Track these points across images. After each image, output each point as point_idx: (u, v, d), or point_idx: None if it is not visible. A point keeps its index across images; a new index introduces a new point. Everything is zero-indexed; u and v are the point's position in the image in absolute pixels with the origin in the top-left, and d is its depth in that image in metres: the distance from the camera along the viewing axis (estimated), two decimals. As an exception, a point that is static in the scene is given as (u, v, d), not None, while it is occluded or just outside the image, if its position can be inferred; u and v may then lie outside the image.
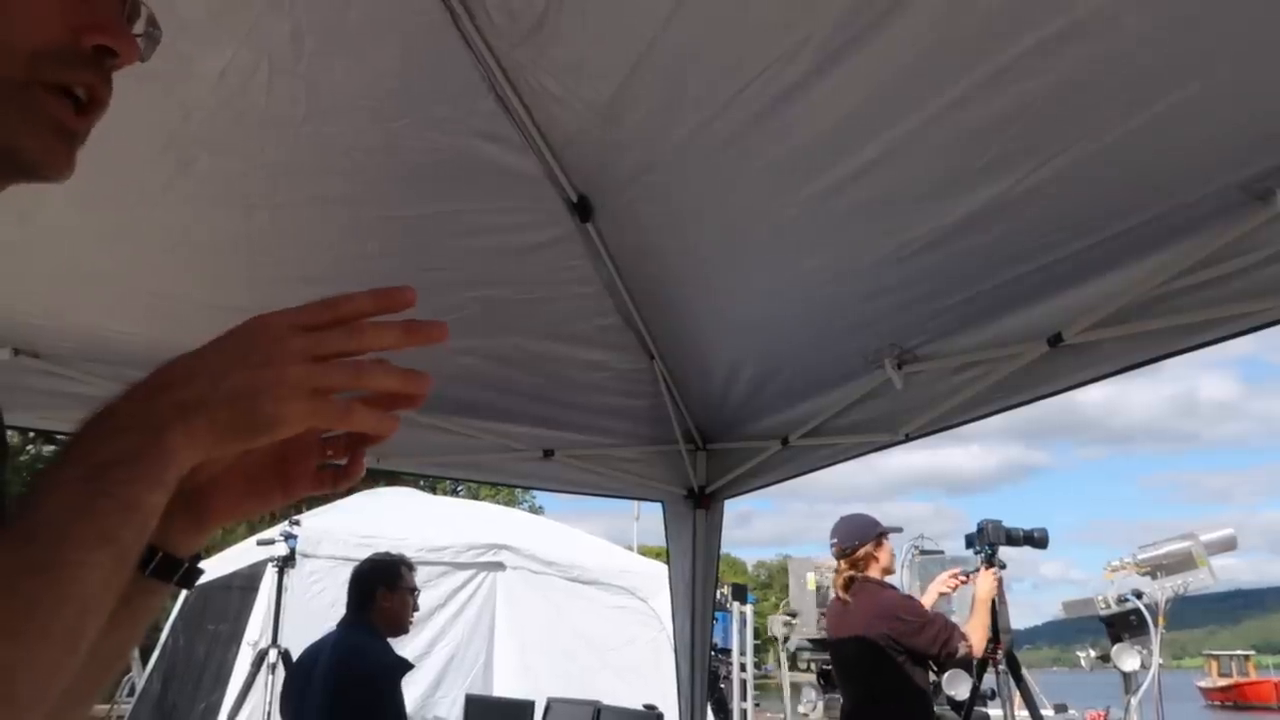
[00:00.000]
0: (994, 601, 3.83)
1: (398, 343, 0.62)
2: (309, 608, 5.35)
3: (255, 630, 5.40)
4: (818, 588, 12.14)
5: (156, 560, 0.67)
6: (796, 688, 13.23)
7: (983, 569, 3.89)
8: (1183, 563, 3.56)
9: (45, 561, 0.50)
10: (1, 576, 0.49)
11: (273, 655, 4.45)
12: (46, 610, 0.49)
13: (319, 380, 0.59)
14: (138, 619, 0.69)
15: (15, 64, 0.62)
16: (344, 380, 0.60)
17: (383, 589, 3.55)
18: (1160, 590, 3.49)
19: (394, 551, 3.88)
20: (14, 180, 0.67)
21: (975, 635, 3.76)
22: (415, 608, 3.72)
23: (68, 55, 0.64)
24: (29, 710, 0.49)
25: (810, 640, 12.05)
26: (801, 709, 12.92)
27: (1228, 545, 3.69)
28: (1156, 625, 3.45)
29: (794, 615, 13.00)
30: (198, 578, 0.72)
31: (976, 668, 3.82)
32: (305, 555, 5.25)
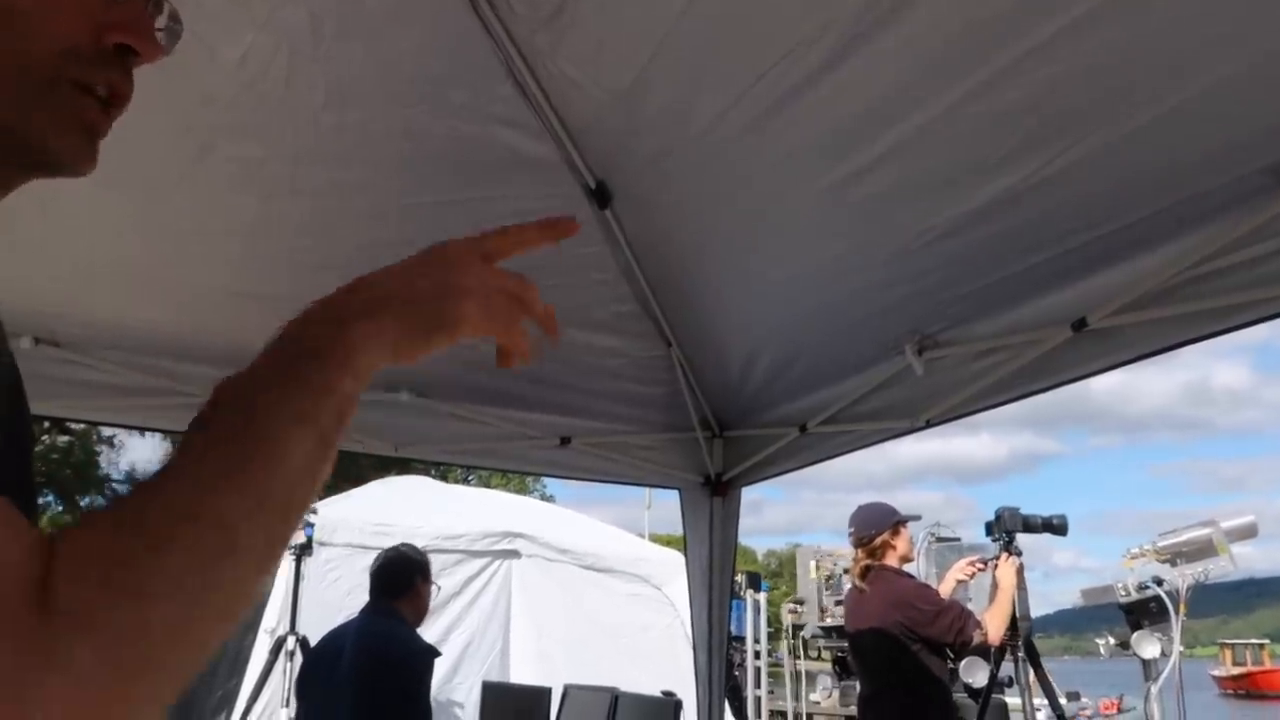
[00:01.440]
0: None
1: (539, 238, 0.76)
2: (325, 595, 5.38)
3: (272, 618, 5.43)
4: (827, 576, 12.18)
5: None
6: (810, 675, 13.27)
7: (1004, 557, 3.87)
8: (1203, 550, 3.53)
9: (255, 432, 0.54)
10: (216, 445, 0.54)
11: (290, 642, 4.48)
12: (260, 474, 0.54)
13: (494, 292, 0.68)
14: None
15: (44, 64, 0.63)
16: (514, 297, 0.70)
17: (420, 578, 3.59)
18: (1181, 577, 3.46)
19: (410, 540, 3.90)
20: (37, 175, 0.68)
21: (994, 623, 3.74)
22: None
23: (92, 54, 0.66)
24: (251, 564, 0.53)
25: (823, 628, 12.09)
26: (816, 696, 12.96)
27: (1248, 533, 3.65)
28: (1178, 612, 3.42)
29: (800, 603, 13.04)
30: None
31: (994, 655, 3.81)
32: (321, 544, 5.27)
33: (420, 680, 3.46)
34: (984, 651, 3.83)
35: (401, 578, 3.59)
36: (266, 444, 0.54)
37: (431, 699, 5.28)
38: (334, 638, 3.62)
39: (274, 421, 0.55)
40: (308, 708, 3.65)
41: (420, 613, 3.61)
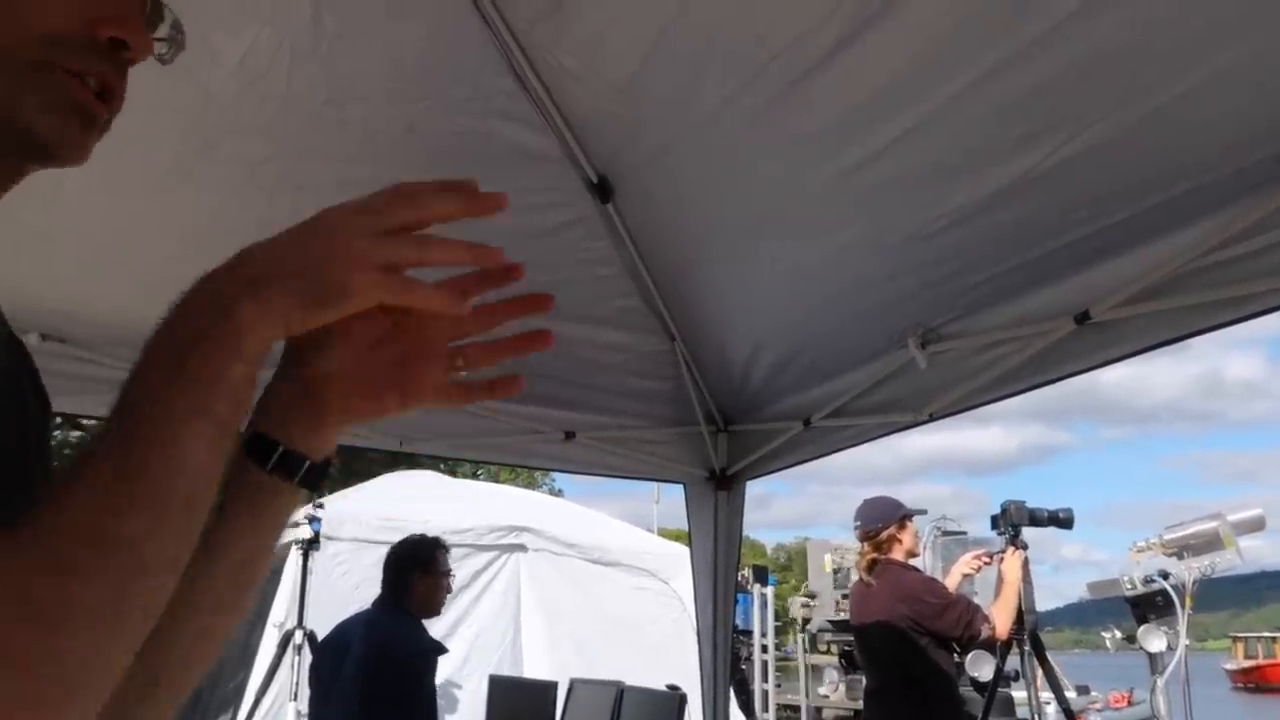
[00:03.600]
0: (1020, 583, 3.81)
1: (459, 211, 0.63)
2: (333, 589, 5.40)
3: (280, 612, 5.45)
4: (836, 570, 12.17)
5: (277, 456, 0.68)
6: (818, 669, 13.28)
7: (1009, 550, 3.87)
8: (1210, 543, 3.52)
9: (149, 435, 0.53)
10: (112, 456, 0.52)
11: (298, 636, 4.50)
12: (160, 479, 0.52)
13: (385, 253, 0.60)
14: (264, 522, 0.69)
15: (29, 46, 0.64)
16: (409, 252, 0.61)
17: (419, 573, 3.60)
18: (1187, 571, 3.45)
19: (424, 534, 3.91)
20: (31, 163, 0.68)
21: (1000, 617, 3.74)
22: (448, 590, 3.76)
23: (82, 43, 0.66)
24: (161, 580, 0.53)
25: (831, 622, 12.08)
26: (823, 690, 12.97)
27: (1256, 526, 3.64)
28: (1184, 606, 3.42)
29: (813, 597, 13.04)
30: (322, 478, 0.72)
31: (1000, 649, 3.81)
32: (329, 538, 5.29)
33: (422, 677, 3.48)
34: (990, 645, 3.82)
35: (399, 574, 3.62)
36: (163, 447, 0.53)
37: (440, 691, 5.32)
38: (342, 632, 3.64)
39: (168, 421, 0.54)
40: (314, 699, 3.68)
41: (426, 605, 3.63)
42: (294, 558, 4.99)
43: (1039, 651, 3.84)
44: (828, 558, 12.38)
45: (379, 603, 3.59)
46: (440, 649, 3.59)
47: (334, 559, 5.61)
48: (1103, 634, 4.33)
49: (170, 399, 0.54)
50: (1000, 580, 3.86)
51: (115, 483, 0.51)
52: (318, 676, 3.76)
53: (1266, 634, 50.39)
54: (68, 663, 0.48)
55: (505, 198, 0.65)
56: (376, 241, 0.60)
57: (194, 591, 0.63)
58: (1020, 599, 3.78)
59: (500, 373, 0.73)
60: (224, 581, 0.68)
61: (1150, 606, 3.66)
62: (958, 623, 3.67)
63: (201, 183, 2.21)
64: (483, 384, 0.73)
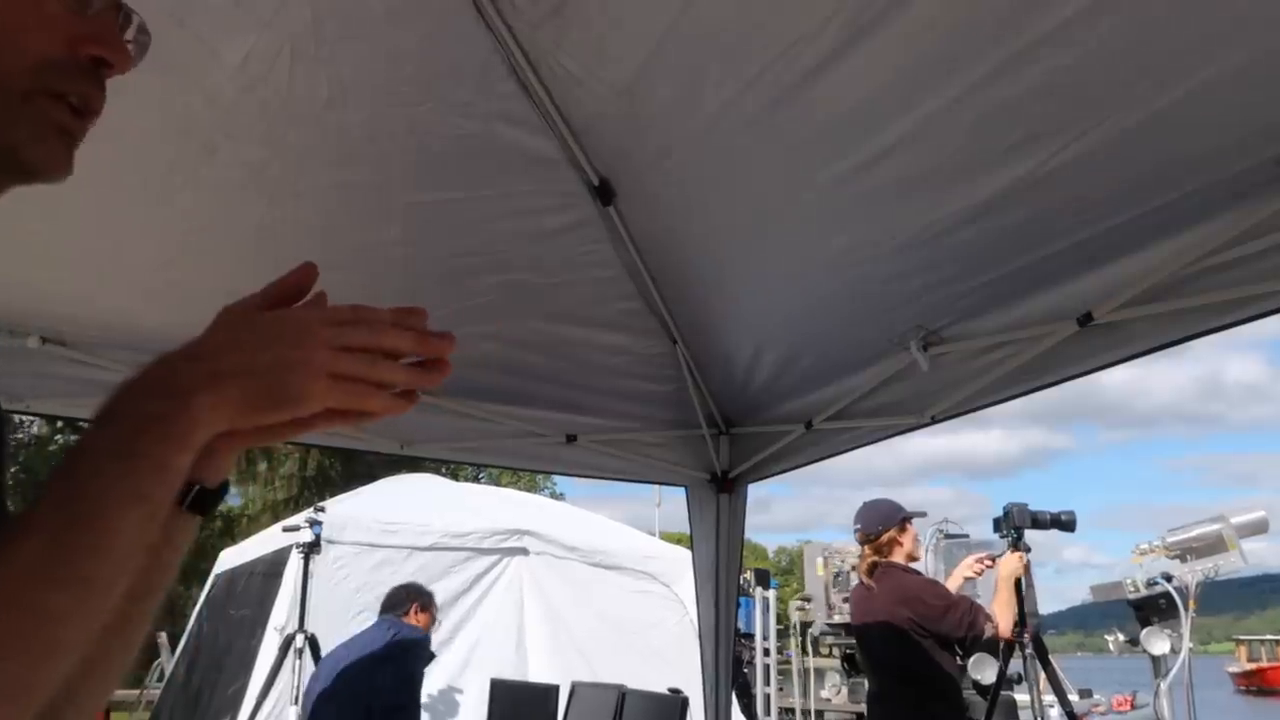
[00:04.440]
0: (1020, 584, 3.80)
1: (412, 348, 0.68)
2: (334, 593, 5.40)
3: (281, 616, 5.45)
4: (835, 573, 12.15)
5: (193, 495, 0.70)
6: (820, 672, 13.25)
7: (1008, 551, 3.87)
8: (1213, 546, 3.52)
9: (87, 518, 0.55)
10: (47, 533, 0.54)
11: (299, 640, 4.50)
12: (89, 563, 0.54)
13: (342, 366, 0.64)
14: (175, 551, 0.72)
15: (20, 78, 0.66)
16: (363, 370, 0.65)
17: (417, 604, 3.94)
18: (1190, 573, 3.44)
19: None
20: (15, 183, 0.71)
21: (1001, 615, 3.73)
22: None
23: (66, 66, 0.68)
24: (76, 648, 0.54)
25: (831, 625, 12.06)
26: (825, 693, 12.94)
27: (1259, 528, 3.63)
28: (1187, 609, 3.41)
29: (808, 600, 13.01)
30: (215, 504, 0.74)
31: (1003, 651, 3.80)
32: (330, 541, 5.29)
33: (409, 667, 3.60)
34: (993, 646, 3.81)
35: (398, 601, 4.03)
36: (96, 529, 0.54)
37: (442, 695, 5.34)
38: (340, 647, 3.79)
39: (105, 505, 0.55)
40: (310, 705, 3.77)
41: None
42: (295, 561, 4.99)
43: (1042, 654, 3.83)
44: (820, 561, 12.35)
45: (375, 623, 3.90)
46: (426, 641, 3.89)
47: (335, 563, 5.60)
48: (1106, 637, 4.32)
49: (109, 482, 0.56)
50: (997, 580, 3.86)
51: (45, 556, 0.52)
52: (314, 682, 3.96)
53: (1270, 637, 50.21)
54: None
55: (453, 340, 0.70)
56: (335, 356, 0.64)
57: None
58: (1021, 601, 3.77)
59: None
60: (122, 604, 0.66)
61: (1153, 609, 3.65)
62: (960, 623, 3.66)
63: (201, 187, 2.20)
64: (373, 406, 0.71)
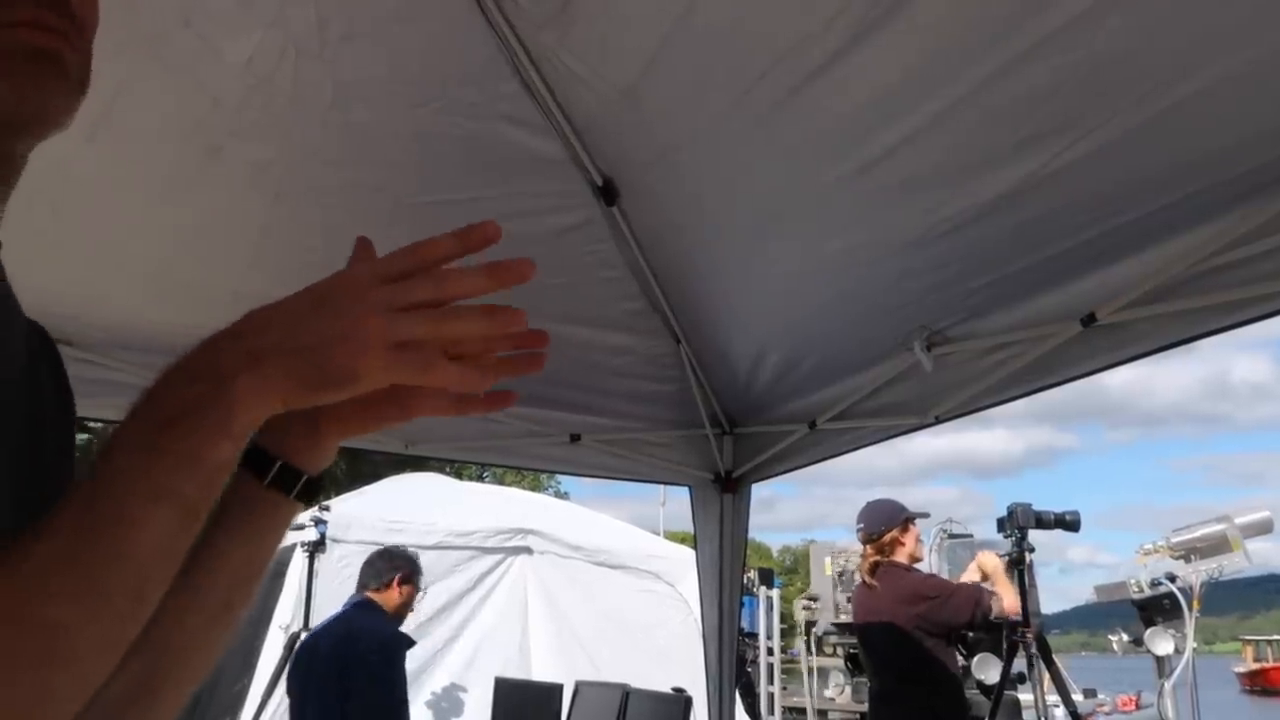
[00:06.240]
0: (1024, 582, 3.80)
1: (484, 287, 0.59)
2: (338, 592, 5.40)
3: (285, 614, 5.46)
4: (840, 572, 12.15)
5: (275, 470, 0.67)
6: (824, 672, 13.25)
7: (982, 552, 3.91)
8: (1217, 546, 3.51)
9: (99, 522, 0.49)
10: (59, 539, 0.49)
11: (304, 639, 4.50)
12: (103, 571, 0.49)
13: (398, 332, 0.56)
14: (262, 532, 0.68)
15: None
16: (426, 330, 0.57)
17: (400, 577, 3.86)
18: (1194, 574, 3.44)
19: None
20: (16, 139, 0.64)
21: (1005, 593, 3.74)
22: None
23: None
24: (93, 666, 0.49)
25: (836, 624, 12.06)
26: (829, 693, 12.94)
27: (1264, 528, 3.63)
28: (1191, 609, 3.40)
29: (814, 599, 13.01)
30: (319, 491, 0.71)
31: (1006, 651, 3.80)
32: (334, 540, 5.30)
33: (389, 667, 3.57)
34: (996, 648, 3.81)
35: (379, 571, 3.85)
36: (117, 534, 0.49)
37: (446, 693, 5.33)
38: (317, 634, 3.73)
39: (127, 503, 0.50)
40: (293, 703, 3.75)
41: (397, 609, 3.83)
42: (299, 560, 5.01)
43: (1045, 654, 3.83)
44: (828, 560, 12.36)
45: (350, 601, 3.87)
46: (406, 639, 3.90)
47: (339, 561, 5.61)
48: (1110, 637, 4.31)
49: (134, 478, 0.50)
50: (984, 577, 3.88)
51: (56, 563, 0.48)
52: (292, 679, 3.93)
53: (1275, 637, 50.04)
54: None
55: (532, 266, 0.61)
56: (392, 318, 0.56)
57: (195, 599, 0.63)
58: (1025, 600, 3.77)
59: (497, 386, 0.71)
60: (223, 589, 0.67)
61: (1158, 609, 3.65)
62: (964, 606, 3.66)
63: (206, 186, 2.21)
64: (478, 399, 0.70)
